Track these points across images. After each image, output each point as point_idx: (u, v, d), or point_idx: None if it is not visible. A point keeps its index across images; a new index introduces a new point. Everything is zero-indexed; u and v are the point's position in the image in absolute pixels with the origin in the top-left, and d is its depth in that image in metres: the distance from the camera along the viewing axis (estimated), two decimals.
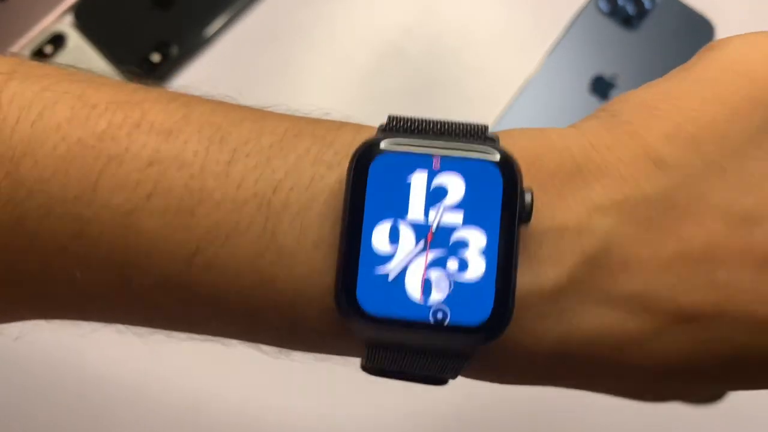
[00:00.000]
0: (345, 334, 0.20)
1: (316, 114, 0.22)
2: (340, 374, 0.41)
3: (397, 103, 0.49)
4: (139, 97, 0.20)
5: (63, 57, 0.49)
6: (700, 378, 0.20)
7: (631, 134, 0.20)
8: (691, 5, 0.49)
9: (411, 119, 0.20)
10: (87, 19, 0.50)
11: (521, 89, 0.48)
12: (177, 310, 0.20)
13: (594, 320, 0.19)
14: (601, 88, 0.48)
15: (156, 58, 0.49)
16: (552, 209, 0.19)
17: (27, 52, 0.49)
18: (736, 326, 0.19)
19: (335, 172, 0.20)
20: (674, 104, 0.20)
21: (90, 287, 0.20)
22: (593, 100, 0.48)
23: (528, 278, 0.19)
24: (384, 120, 0.20)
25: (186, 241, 0.19)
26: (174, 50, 0.49)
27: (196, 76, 0.50)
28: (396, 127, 0.20)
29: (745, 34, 0.21)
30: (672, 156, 0.19)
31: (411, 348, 0.19)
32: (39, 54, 0.49)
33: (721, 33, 0.49)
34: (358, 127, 0.21)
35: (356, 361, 0.22)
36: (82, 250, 0.19)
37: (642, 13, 0.49)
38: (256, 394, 0.43)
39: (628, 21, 0.49)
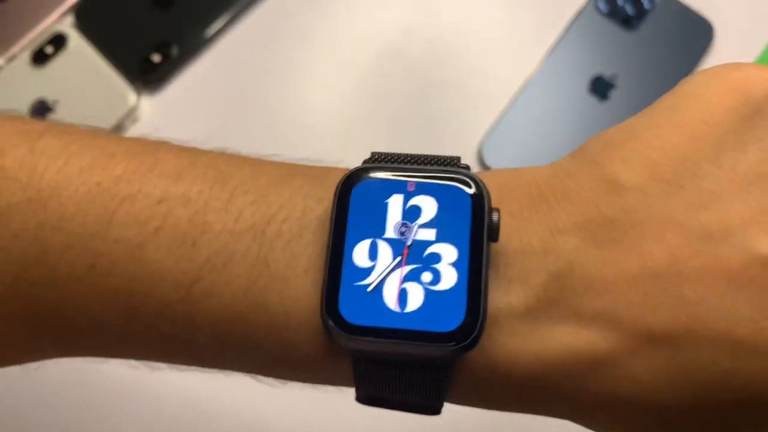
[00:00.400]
0: (334, 355, 0.21)
1: (308, 162, 0.24)
2: None
3: (397, 104, 0.49)
4: (153, 147, 0.23)
5: (63, 57, 0.49)
6: (687, 415, 0.19)
7: (590, 163, 0.21)
8: (690, 5, 0.50)
9: (391, 154, 0.22)
10: (87, 20, 0.50)
11: (521, 89, 0.48)
12: (178, 338, 0.22)
13: (566, 338, 0.19)
14: (601, 88, 0.48)
15: (156, 58, 0.49)
16: (519, 233, 0.20)
17: (27, 52, 0.49)
18: (714, 348, 0.18)
19: (324, 205, 0.21)
20: (633, 134, 0.21)
21: (103, 316, 0.21)
22: (592, 101, 0.48)
23: (498, 296, 0.20)
24: (368, 155, 0.22)
25: (188, 270, 0.21)
26: (174, 50, 0.50)
27: (196, 76, 0.50)
28: (378, 160, 0.22)
29: (710, 67, 0.22)
30: (628, 179, 0.20)
31: (392, 359, 0.20)
32: (39, 54, 0.49)
33: (720, 33, 0.49)
34: (347, 169, 0.22)
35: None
36: (96, 280, 0.21)
37: (641, 13, 0.49)
38: (254, 391, 0.43)
39: (627, 21, 0.49)
